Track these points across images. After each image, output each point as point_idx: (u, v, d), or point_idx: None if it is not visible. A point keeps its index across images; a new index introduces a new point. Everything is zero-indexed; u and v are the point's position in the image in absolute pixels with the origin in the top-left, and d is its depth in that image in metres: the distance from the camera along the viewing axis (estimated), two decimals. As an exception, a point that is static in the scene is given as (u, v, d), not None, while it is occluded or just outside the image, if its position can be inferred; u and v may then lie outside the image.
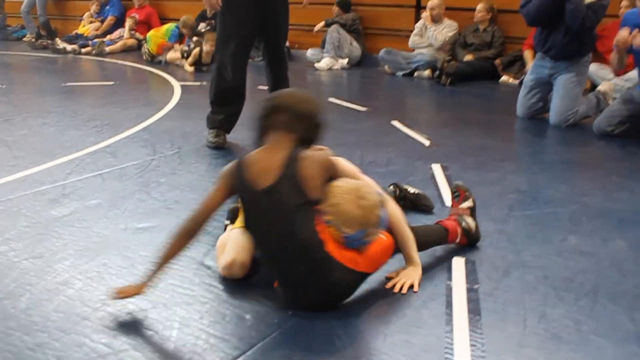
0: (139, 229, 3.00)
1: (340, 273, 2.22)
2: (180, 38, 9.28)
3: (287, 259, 2.24)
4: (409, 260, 2.51)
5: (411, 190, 3.29)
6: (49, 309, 2.29)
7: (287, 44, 9.16)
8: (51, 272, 2.57)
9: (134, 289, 2.28)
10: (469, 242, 2.81)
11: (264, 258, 2.40)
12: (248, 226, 2.37)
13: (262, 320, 2.22)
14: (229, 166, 2.36)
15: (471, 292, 2.42)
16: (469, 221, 2.82)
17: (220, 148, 4.39)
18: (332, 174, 2.30)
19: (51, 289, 2.43)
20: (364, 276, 2.33)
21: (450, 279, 2.53)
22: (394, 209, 2.46)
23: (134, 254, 2.73)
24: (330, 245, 2.22)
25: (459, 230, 2.77)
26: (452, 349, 2.06)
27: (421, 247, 2.57)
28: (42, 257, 2.70)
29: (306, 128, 2.34)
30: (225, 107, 4.45)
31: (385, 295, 2.39)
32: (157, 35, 9.24)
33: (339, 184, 2.27)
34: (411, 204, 3.25)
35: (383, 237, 2.37)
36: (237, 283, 2.48)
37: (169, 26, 9.36)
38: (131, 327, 2.18)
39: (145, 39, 9.60)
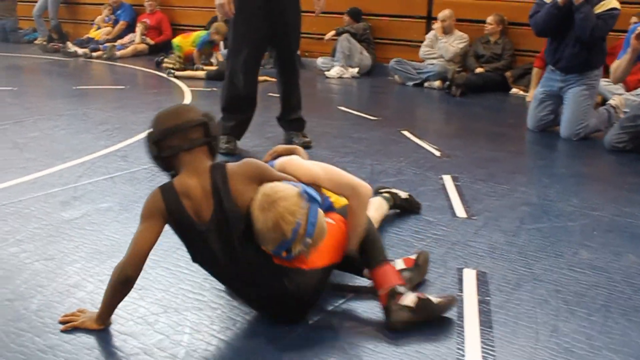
0: (149, 233, 2.99)
1: (298, 277, 2.11)
2: (210, 45, 8.96)
3: (243, 284, 2.16)
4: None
5: (402, 195, 3.30)
6: (60, 311, 2.29)
7: (298, 52, 9.23)
8: (62, 275, 2.57)
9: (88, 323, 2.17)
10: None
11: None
12: (194, 259, 2.21)
13: (273, 327, 2.22)
14: (155, 200, 2.12)
15: (482, 304, 2.41)
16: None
17: (231, 154, 4.40)
18: (262, 179, 2.11)
19: (62, 291, 2.43)
20: (325, 270, 2.22)
21: (461, 290, 2.52)
22: (357, 205, 2.27)
23: (145, 258, 2.73)
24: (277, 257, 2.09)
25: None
26: (463, 361, 2.05)
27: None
28: (53, 259, 2.71)
29: (201, 135, 2.19)
30: (236, 114, 4.46)
31: (396, 305, 2.38)
32: (185, 43, 8.96)
33: (256, 196, 2.06)
34: (403, 208, 3.32)
35: (331, 221, 2.23)
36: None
37: (198, 33, 9.04)
38: (142, 331, 2.18)
39: (165, 52, 9.42)
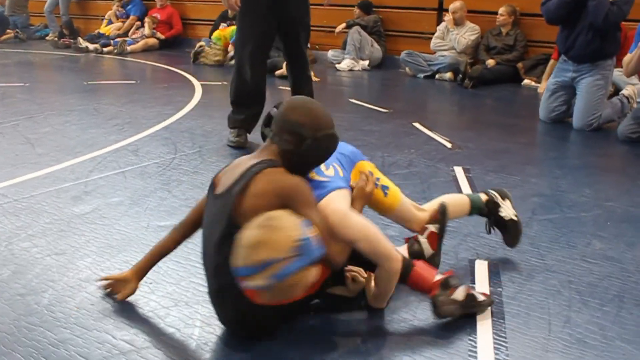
0: (160, 226, 3.00)
1: (243, 304, 1.97)
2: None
3: (208, 270, 2.10)
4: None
5: (505, 213, 2.76)
6: (71, 306, 2.30)
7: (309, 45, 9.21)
8: (73, 269, 2.58)
9: (129, 289, 2.29)
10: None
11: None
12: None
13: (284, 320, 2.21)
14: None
15: (494, 295, 2.40)
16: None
17: (242, 148, 4.40)
18: (286, 204, 1.94)
19: (73, 286, 2.44)
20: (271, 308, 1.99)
21: (473, 281, 2.51)
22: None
23: (156, 251, 2.73)
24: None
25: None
26: (475, 352, 2.04)
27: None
28: (65, 254, 2.72)
29: (289, 140, 2.07)
30: (245, 107, 4.46)
31: (406, 297, 2.37)
32: (224, 36, 9.09)
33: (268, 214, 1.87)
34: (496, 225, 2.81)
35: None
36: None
37: (234, 27, 8.99)
38: (153, 324, 2.18)
39: (203, 44, 9.33)
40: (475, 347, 2.06)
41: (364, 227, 2.07)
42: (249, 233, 1.80)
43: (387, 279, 2.15)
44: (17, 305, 2.29)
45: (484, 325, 2.19)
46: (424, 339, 2.11)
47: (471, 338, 2.11)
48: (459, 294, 2.18)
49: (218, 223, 2.00)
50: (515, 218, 2.73)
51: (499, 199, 2.76)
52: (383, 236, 2.11)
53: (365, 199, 2.27)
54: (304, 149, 2.07)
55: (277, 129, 2.10)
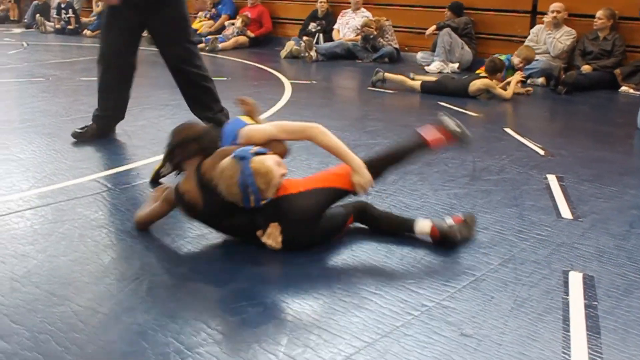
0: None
1: (293, 200, 2.69)
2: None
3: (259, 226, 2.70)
4: (350, 167, 2.77)
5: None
6: (168, 293, 2.37)
7: (397, 45, 9.17)
8: (170, 258, 2.66)
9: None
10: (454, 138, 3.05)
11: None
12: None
13: (375, 317, 2.22)
14: (171, 193, 2.82)
15: (589, 309, 2.33)
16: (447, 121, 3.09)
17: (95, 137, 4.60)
18: (225, 157, 2.65)
19: (172, 274, 2.52)
20: (317, 191, 2.73)
21: (567, 293, 2.44)
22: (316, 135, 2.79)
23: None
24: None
25: (440, 132, 3.01)
26: (569, 366, 1.99)
27: (396, 158, 2.90)
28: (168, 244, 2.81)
29: (188, 150, 2.80)
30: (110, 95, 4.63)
31: (499, 307, 2.34)
32: None
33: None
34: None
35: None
36: (351, 282, 2.49)
37: None
38: (246, 317, 2.23)
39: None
40: (570, 360, 2.01)
41: (272, 123, 2.86)
42: (220, 189, 2.60)
43: (320, 140, 2.79)
44: (118, 290, 2.39)
45: (579, 339, 2.13)
46: (514, 348, 2.07)
47: (565, 352, 2.06)
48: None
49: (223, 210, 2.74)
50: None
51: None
52: (293, 122, 2.88)
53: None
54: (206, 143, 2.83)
55: (188, 148, 2.84)
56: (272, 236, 2.62)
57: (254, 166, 2.54)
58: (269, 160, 2.60)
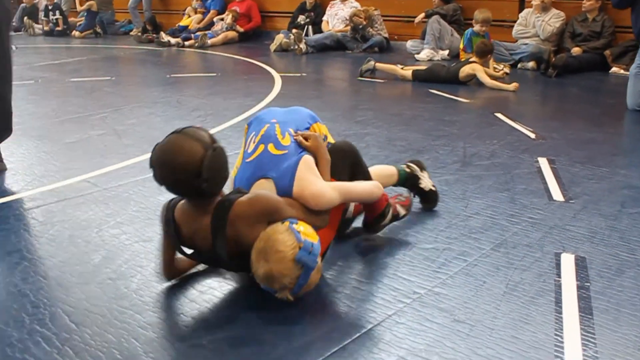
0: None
1: None
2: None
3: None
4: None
5: (424, 184, 3.07)
6: (158, 290, 2.37)
7: (386, 35, 9.16)
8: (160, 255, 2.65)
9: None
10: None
11: None
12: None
13: (367, 307, 2.21)
14: (164, 222, 2.33)
15: (582, 290, 2.32)
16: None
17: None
18: (270, 219, 2.17)
19: (160, 272, 2.51)
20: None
21: (559, 275, 2.44)
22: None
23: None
24: None
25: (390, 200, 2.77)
26: (562, 348, 1.98)
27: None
28: (151, 241, 2.80)
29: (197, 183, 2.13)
30: None
31: (491, 292, 2.33)
32: None
33: (259, 236, 2.13)
34: (418, 194, 3.10)
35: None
36: (341, 272, 2.48)
37: None
38: (240, 308, 2.22)
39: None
40: (562, 343, 2.00)
41: (337, 192, 2.37)
42: (256, 265, 2.09)
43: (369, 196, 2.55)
44: (109, 289, 2.38)
45: (571, 321, 2.13)
46: (507, 331, 2.06)
47: (558, 334, 2.05)
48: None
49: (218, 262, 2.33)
50: (433, 188, 3.10)
51: (418, 172, 3.06)
52: (351, 185, 2.48)
53: (326, 157, 2.46)
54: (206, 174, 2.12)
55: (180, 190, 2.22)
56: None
57: (310, 279, 2.14)
58: (317, 277, 2.21)
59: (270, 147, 2.41)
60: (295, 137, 2.47)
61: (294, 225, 2.13)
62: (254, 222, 2.15)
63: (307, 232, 2.14)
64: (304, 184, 2.30)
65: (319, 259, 2.17)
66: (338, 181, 2.45)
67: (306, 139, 2.47)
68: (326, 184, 2.36)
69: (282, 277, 2.07)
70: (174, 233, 2.27)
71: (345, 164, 2.54)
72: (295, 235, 2.10)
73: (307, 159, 2.38)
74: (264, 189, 2.31)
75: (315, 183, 2.31)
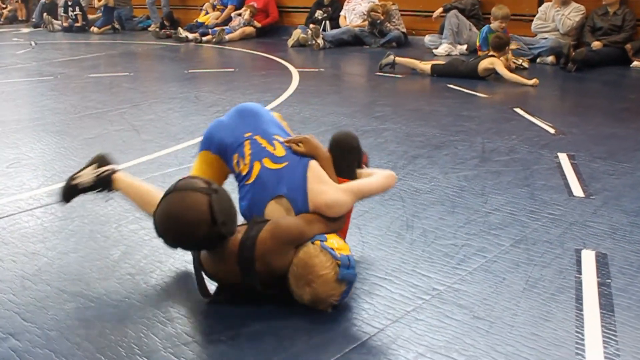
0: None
1: None
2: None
3: None
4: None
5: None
6: (177, 286, 2.38)
7: (404, 30, 9.11)
8: (179, 251, 2.66)
9: None
10: None
11: None
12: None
13: (385, 303, 2.21)
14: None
15: (603, 287, 2.30)
16: None
17: None
18: (297, 243, 2.13)
19: (179, 267, 2.52)
20: None
21: (579, 272, 2.42)
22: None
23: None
24: None
25: None
26: (583, 345, 1.96)
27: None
28: (170, 236, 2.80)
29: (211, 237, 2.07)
30: None
31: (511, 289, 2.31)
32: None
33: (293, 261, 2.10)
34: None
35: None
36: (360, 268, 2.47)
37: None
38: (260, 304, 2.22)
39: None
40: (583, 340, 1.99)
41: (351, 194, 2.26)
42: (299, 292, 2.09)
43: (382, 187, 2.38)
44: (128, 284, 2.39)
45: (592, 318, 2.11)
46: (527, 328, 2.05)
47: (579, 331, 2.04)
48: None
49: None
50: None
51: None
52: (364, 183, 2.33)
53: (326, 157, 2.34)
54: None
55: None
56: None
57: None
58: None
59: (267, 163, 2.28)
60: (287, 145, 2.33)
61: (326, 244, 2.10)
62: (282, 252, 2.11)
63: (339, 247, 2.12)
64: (318, 196, 2.20)
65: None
66: (348, 179, 2.35)
67: (298, 142, 2.33)
68: (338, 189, 2.25)
69: (329, 298, 2.09)
70: (198, 272, 2.23)
71: (354, 158, 2.44)
72: (331, 254, 2.08)
73: (313, 167, 2.27)
74: (280, 210, 2.21)
75: (327, 192, 2.21)
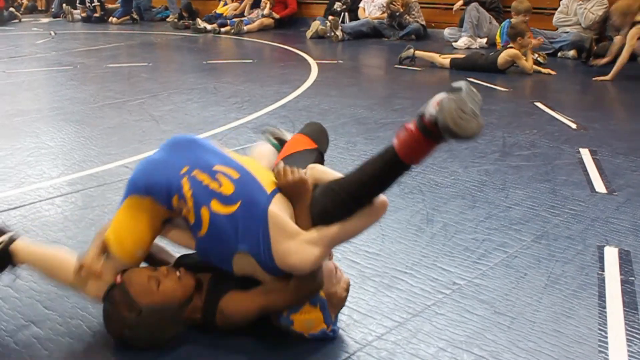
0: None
1: None
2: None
3: None
4: None
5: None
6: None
7: (424, 22, 9.06)
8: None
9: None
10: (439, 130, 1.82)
11: None
12: None
13: (406, 297, 2.19)
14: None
15: (626, 284, 2.27)
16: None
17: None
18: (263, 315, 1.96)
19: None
20: None
21: (602, 269, 2.39)
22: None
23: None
24: None
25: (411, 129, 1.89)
26: (606, 343, 1.94)
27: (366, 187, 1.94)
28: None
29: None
30: None
31: (532, 284, 2.29)
32: None
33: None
34: None
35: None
36: (380, 261, 2.46)
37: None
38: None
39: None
40: (606, 338, 1.97)
41: (322, 244, 1.85)
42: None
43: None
44: (147, 275, 2.39)
45: (616, 315, 2.08)
46: (549, 325, 2.03)
47: (601, 328, 2.01)
48: None
49: None
50: None
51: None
52: (338, 227, 1.87)
53: (303, 194, 1.93)
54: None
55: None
56: None
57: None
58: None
59: (216, 207, 1.89)
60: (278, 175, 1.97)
61: (293, 327, 1.94)
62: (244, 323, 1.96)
63: (308, 326, 1.95)
64: (283, 259, 1.84)
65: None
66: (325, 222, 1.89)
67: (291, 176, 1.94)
68: (305, 241, 1.85)
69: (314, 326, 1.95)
70: None
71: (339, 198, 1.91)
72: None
73: (274, 216, 1.87)
74: (250, 264, 1.89)
75: (293, 254, 1.84)
